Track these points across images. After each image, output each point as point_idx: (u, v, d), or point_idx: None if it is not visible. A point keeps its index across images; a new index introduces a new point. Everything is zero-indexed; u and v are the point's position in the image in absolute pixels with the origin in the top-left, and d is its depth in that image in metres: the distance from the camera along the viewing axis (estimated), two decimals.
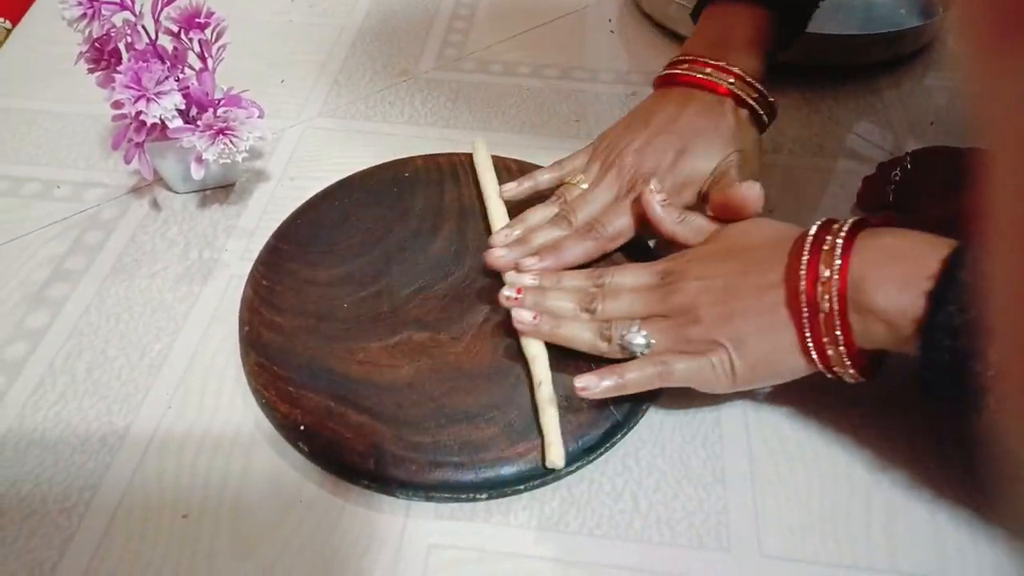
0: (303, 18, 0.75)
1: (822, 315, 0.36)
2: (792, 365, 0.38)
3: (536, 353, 0.43)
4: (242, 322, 0.46)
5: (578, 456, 0.40)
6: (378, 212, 0.53)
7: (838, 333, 0.36)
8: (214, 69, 0.53)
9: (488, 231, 0.50)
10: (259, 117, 0.52)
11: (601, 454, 0.41)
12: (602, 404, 0.41)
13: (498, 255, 0.47)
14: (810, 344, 0.37)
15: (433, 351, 0.44)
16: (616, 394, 0.40)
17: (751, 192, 0.43)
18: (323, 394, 0.42)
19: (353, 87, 0.66)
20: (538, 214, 0.49)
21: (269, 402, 0.42)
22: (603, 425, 0.41)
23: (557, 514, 0.40)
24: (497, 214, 0.50)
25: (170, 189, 0.56)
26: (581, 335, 0.42)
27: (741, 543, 0.39)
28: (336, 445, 0.40)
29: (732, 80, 0.50)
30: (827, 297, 0.36)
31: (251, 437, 0.43)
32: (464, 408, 0.41)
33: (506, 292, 0.44)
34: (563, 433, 0.40)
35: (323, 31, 0.73)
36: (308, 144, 0.61)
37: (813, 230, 0.38)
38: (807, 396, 0.44)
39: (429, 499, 0.40)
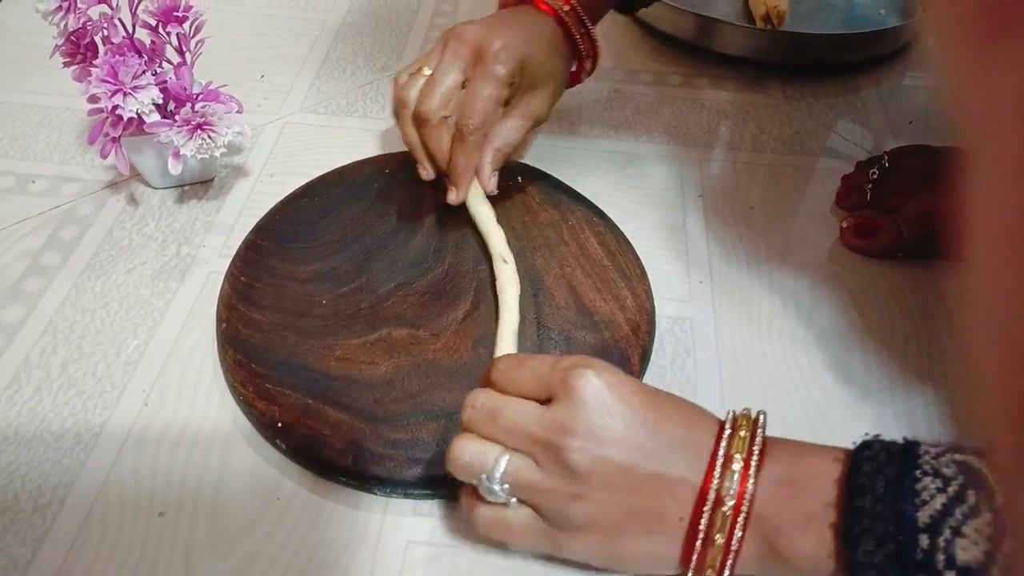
0: (284, 12, 0.74)
1: (714, 548, 0.32)
2: (658, 569, 0.34)
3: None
4: (220, 319, 0.46)
5: None
6: (358, 209, 0.52)
7: (729, 559, 0.32)
8: (192, 63, 0.52)
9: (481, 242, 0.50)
10: (238, 112, 0.52)
11: None
12: None
13: (425, 176, 0.52)
14: (692, 560, 0.33)
15: (412, 348, 0.44)
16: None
17: (485, 183, 0.50)
18: (301, 391, 0.42)
19: (334, 82, 0.66)
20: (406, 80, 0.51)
21: (247, 399, 0.42)
22: None
23: None
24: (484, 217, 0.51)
25: (147, 184, 0.56)
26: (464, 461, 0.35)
27: None
28: (314, 442, 0.40)
29: (567, 8, 0.53)
30: (726, 545, 0.32)
31: (228, 434, 0.42)
32: (443, 405, 0.41)
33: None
34: None
35: (304, 25, 0.73)
36: (288, 140, 0.61)
37: (723, 445, 0.33)
38: (784, 398, 0.44)
39: (407, 496, 0.40)
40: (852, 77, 0.68)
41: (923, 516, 0.29)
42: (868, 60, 0.69)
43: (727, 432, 0.33)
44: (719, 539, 0.32)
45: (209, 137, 0.50)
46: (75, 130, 0.61)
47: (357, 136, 0.61)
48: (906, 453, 0.31)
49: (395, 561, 0.38)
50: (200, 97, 0.51)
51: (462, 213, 0.52)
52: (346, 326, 0.45)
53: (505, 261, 0.47)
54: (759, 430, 0.33)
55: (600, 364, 0.35)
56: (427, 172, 0.52)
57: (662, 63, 0.70)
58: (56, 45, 0.50)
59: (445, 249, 0.50)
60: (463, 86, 0.50)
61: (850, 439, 0.41)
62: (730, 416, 0.34)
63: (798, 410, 0.44)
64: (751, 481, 0.32)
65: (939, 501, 0.29)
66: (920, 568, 0.29)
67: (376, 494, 0.40)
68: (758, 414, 0.35)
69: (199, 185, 0.56)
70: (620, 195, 0.56)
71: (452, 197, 0.51)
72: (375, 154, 0.56)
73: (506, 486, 0.34)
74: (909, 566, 0.29)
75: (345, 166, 0.56)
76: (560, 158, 0.59)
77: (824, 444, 0.34)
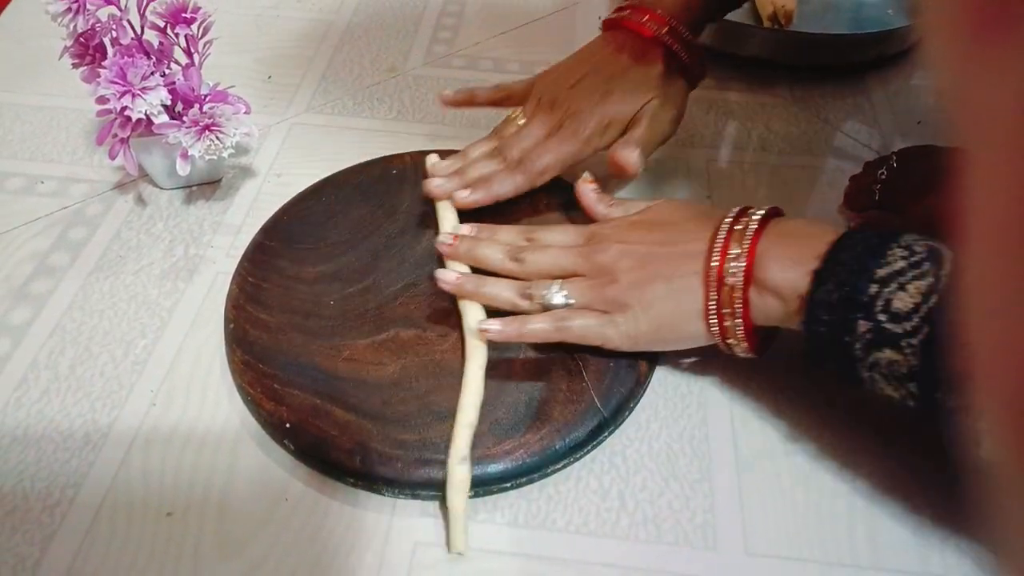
0: (291, 13, 0.74)
1: (727, 288, 0.39)
2: (692, 331, 0.41)
3: (467, 420, 0.40)
4: (227, 319, 0.46)
5: (564, 454, 0.40)
6: (365, 209, 0.52)
7: (738, 305, 0.39)
8: (200, 64, 0.53)
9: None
10: (246, 113, 0.52)
11: (588, 452, 0.41)
12: (588, 402, 0.41)
13: (436, 184, 0.51)
14: (712, 312, 0.40)
15: (420, 348, 0.44)
16: (515, 341, 0.43)
17: (630, 157, 0.48)
18: (309, 392, 0.42)
19: (341, 83, 0.66)
20: (477, 149, 0.53)
21: (254, 400, 0.42)
22: (589, 423, 0.41)
23: (544, 512, 0.40)
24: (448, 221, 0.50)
25: (155, 185, 0.56)
26: (502, 294, 0.44)
27: (727, 541, 0.39)
28: (322, 443, 0.40)
29: (665, 30, 0.52)
30: (733, 272, 0.39)
31: (236, 435, 0.42)
32: (451, 405, 0.41)
33: (442, 238, 0.47)
34: (551, 429, 0.40)
35: (311, 27, 0.73)
36: (295, 140, 0.61)
37: (732, 214, 0.41)
38: (792, 398, 0.44)
39: (415, 497, 0.40)
40: (860, 77, 0.68)
41: (881, 272, 0.35)
42: (876, 60, 0.69)
43: (733, 215, 0.41)
44: (730, 280, 0.39)
45: (217, 138, 0.50)
46: (83, 131, 0.61)
47: (364, 137, 0.61)
48: (892, 234, 0.37)
49: (403, 562, 0.38)
50: (208, 98, 0.51)
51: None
52: (354, 327, 0.45)
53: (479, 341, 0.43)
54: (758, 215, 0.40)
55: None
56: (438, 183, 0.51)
57: None
58: (65, 46, 0.50)
59: None
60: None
61: (861, 437, 0.41)
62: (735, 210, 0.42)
63: (804, 412, 0.44)
64: (750, 237, 0.39)
65: (898, 265, 0.35)
66: (861, 308, 0.35)
67: (384, 495, 0.40)
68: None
69: (207, 186, 0.56)
70: (628, 195, 0.56)
71: (463, 194, 0.50)
72: (382, 155, 0.56)
73: (565, 291, 0.42)
74: (853, 306, 0.35)
75: (352, 167, 0.56)
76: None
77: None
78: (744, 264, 0.39)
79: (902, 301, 0.34)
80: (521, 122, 0.53)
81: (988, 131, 0.12)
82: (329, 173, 0.55)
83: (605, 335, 0.42)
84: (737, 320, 0.39)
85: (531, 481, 0.40)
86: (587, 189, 0.48)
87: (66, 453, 0.41)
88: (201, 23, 0.51)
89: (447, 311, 0.46)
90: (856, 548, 0.38)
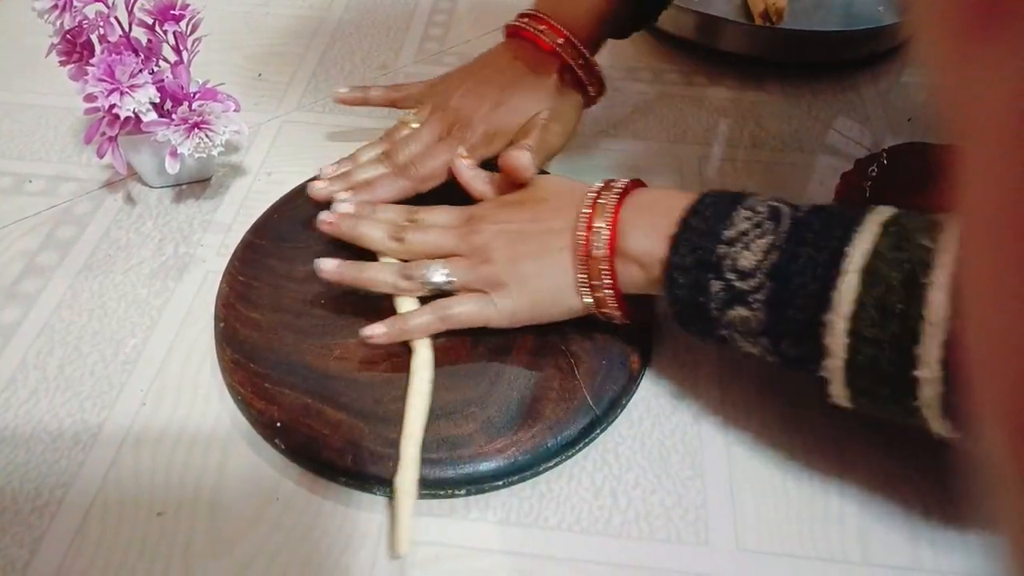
0: (281, 10, 0.74)
1: (593, 260, 0.41)
2: (568, 304, 0.42)
3: (412, 432, 0.40)
4: (218, 318, 0.45)
5: (557, 451, 0.40)
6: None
7: (606, 277, 0.41)
8: (189, 62, 0.52)
9: None
10: (235, 111, 0.52)
11: (580, 449, 0.41)
12: (580, 399, 0.41)
13: (319, 187, 0.50)
14: (583, 285, 0.41)
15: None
16: (400, 339, 0.43)
17: (520, 160, 0.46)
18: (300, 391, 0.42)
19: (332, 81, 0.66)
20: (367, 153, 0.53)
21: (245, 399, 0.42)
22: (581, 420, 0.41)
23: (536, 510, 0.40)
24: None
25: (145, 183, 0.56)
26: (382, 277, 0.44)
27: (719, 537, 0.39)
28: (313, 442, 0.40)
29: (561, 41, 0.52)
30: (599, 244, 0.40)
31: (227, 434, 0.42)
32: (442, 404, 0.41)
33: (322, 216, 0.47)
34: (543, 427, 0.40)
35: (301, 24, 0.72)
36: (286, 138, 0.60)
37: (595, 188, 0.43)
38: (783, 394, 0.44)
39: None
40: (851, 74, 0.68)
41: (728, 234, 0.37)
42: (867, 57, 0.69)
43: (601, 186, 0.43)
44: (596, 252, 0.40)
45: (206, 136, 0.50)
46: (72, 129, 0.60)
47: (355, 134, 0.60)
48: (739, 196, 0.39)
49: (396, 561, 0.38)
50: (197, 96, 0.51)
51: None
52: (345, 325, 0.45)
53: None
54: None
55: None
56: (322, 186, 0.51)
57: (660, 61, 0.69)
58: (52, 44, 0.50)
59: None
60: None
61: (853, 433, 0.41)
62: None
63: (797, 408, 0.44)
64: (615, 208, 0.41)
65: (743, 226, 0.37)
66: (711, 268, 0.37)
67: (376, 494, 0.40)
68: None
69: (196, 184, 0.56)
70: None
71: (342, 196, 0.49)
72: None
73: (446, 269, 0.43)
74: (705, 267, 0.37)
75: None
76: (559, 158, 0.59)
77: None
78: (608, 236, 0.40)
79: (746, 259, 0.36)
80: (414, 126, 0.52)
81: (980, 129, 0.12)
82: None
83: (486, 315, 0.43)
84: (608, 291, 0.41)
85: (523, 479, 0.40)
86: (462, 165, 0.49)
87: (55, 454, 0.41)
88: (190, 20, 0.51)
89: None
90: (847, 544, 0.39)
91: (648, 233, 0.40)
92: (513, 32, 0.54)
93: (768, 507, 0.40)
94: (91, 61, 0.49)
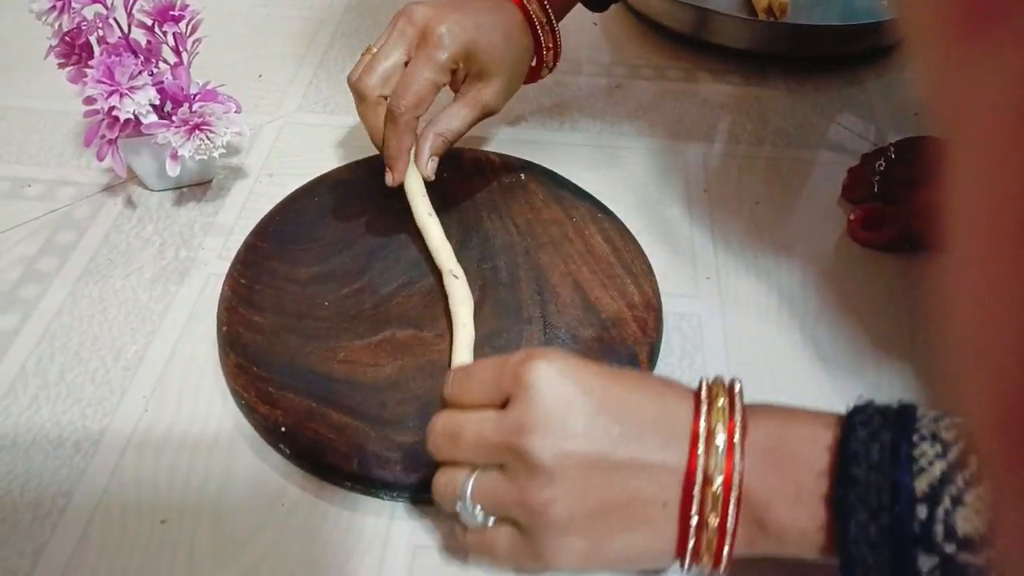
0: (281, 11, 0.73)
1: (708, 530, 0.30)
2: (655, 562, 0.33)
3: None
4: (220, 322, 0.45)
5: None
6: (358, 208, 0.52)
7: (721, 549, 0.30)
8: (189, 63, 0.52)
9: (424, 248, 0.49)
10: (236, 112, 0.51)
11: None
12: None
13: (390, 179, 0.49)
14: (686, 555, 0.31)
15: (416, 349, 0.44)
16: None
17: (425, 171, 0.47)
18: (304, 394, 0.41)
19: (333, 81, 0.65)
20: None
21: (249, 403, 0.41)
22: None
23: None
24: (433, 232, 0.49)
25: (145, 187, 0.55)
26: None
27: None
28: (318, 446, 0.39)
29: None
30: (716, 510, 0.30)
31: (231, 439, 0.42)
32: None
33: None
34: None
35: (302, 24, 0.72)
36: (287, 140, 0.60)
37: (686, 417, 0.31)
38: (794, 391, 0.44)
39: (414, 500, 0.39)
40: (855, 69, 0.68)
41: (921, 485, 0.27)
42: (871, 51, 0.68)
43: (704, 405, 0.31)
44: (712, 520, 0.30)
45: (207, 138, 0.49)
46: (71, 133, 0.60)
47: (356, 135, 0.60)
48: (902, 417, 0.29)
49: (402, 567, 0.37)
50: (197, 97, 0.50)
51: (463, 211, 0.51)
52: (349, 328, 0.44)
53: (455, 276, 0.45)
54: (737, 398, 0.32)
55: (552, 352, 0.32)
56: (391, 177, 0.50)
57: (663, 57, 0.69)
58: (51, 46, 0.49)
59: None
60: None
61: None
62: (704, 385, 0.32)
63: (809, 405, 0.43)
64: (737, 454, 0.30)
65: (938, 468, 0.27)
66: (917, 541, 0.27)
67: (382, 499, 0.39)
68: (732, 381, 0.32)
69: (197, 187, 0.56)
70: (624, 191, 0.56)
71: (388, 179, 0.49)
72: (375, 153, 0.55)
73: (479, 507, 0.32)
74: (905, 539, 0.27)
75: (345, 165, 0.55)
76: (562, 154, 0.58)
77: (812, 409, 0.32)
78: (735, 496, 0.30)
79: (969, 523, 0.26)
80: (375, 51, 0.49)
81: (970, 129, 0.12)
82: (321, 172, 0.54)
83: (528, 565, 0.33)
84: (719, 562, 0.31)
85: None
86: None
87: (56, 462, 0.41)
88: (189, 21, 0.51)
89: (444, 310, 0.45)
90: None
91: (793, 495, 0.29)
92: None
93: None
94: (90, 63, 0.48)
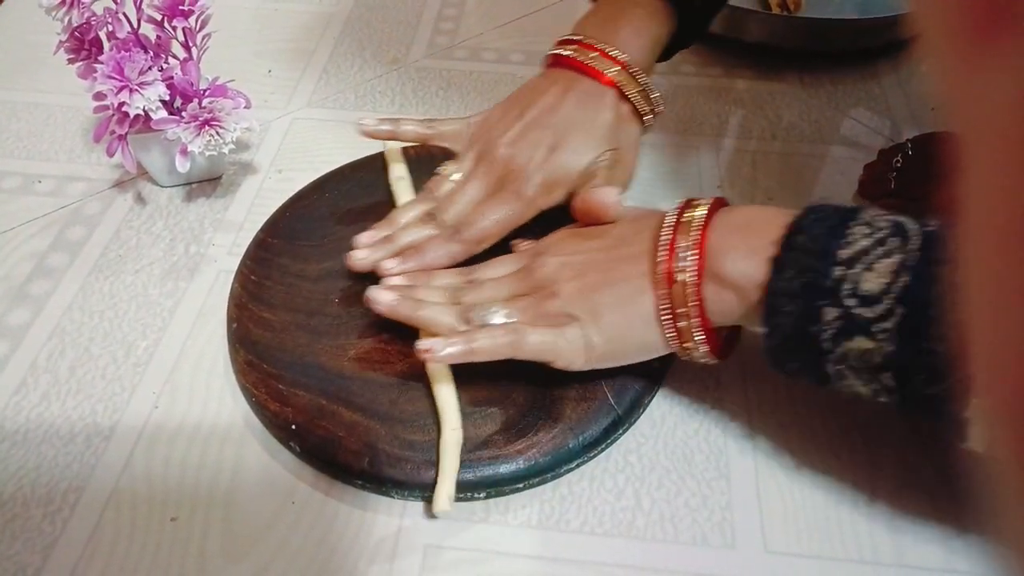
0: (290, 6, 0.73)
1: (678, 286, 0.37)
2: (646, 339, 0.38)
3: (447, 399, 0.40)
4: (230, 318, 0.45)
5: (578, 453, 0.39)
6: (369, 204, 0.51)
7: (693, 303, 0.36)
8: (199, 58, 0.51)
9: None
10: (246, 108, 0.51)
11: (602, 450, 0.40)
12: (602, 399, 0.40)
13: (359, 257, 0.45)
14: (666, 314, 0.37)
15: None
16: (463, 360, 0.38)
17: (608, 198, 0.42)
18: (314, 392, 0.41)
19: (342, 76, 0.65)
20: (407, 213, 0.47)
21: (259, 400, 0.41)
22: (603, 421, 0.40)
23: (557, 512, 0.39)
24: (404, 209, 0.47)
25: (155, 183, 0.55)
26: (440, 318, 0.40)
27: (746, 539, 0.38)
28: (329, 444, 0.39)
29: (616, 69, 0.47)
30: (684, 268, 0.36)
31: (241, 436, 0.41)
32: (461, 405, 0.40)
33: (375, 295, 0.41)
34: (564, 428, 0.39)
35: (311, 19, 0.71)
36: (296, 135, 0.60)
37: (674, 209, 0.39)
38: (810, 391, 0.43)
39: (425, 499, 0.39)
40: (871, 63, 0.67)
41: (844, 253, 0.32)
42: (887, 46, 0.67)
43: (680, 206, 0.39)
44: (681, 275, 0.36)
45: (217, 133, 0.49)
46: (81, 128, 0.60)
47: None
48: (851, 210, 0.34)
49: (413, 566, 0.37)
50: (207, 93, 0.50)
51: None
52: (359, 325, 0.44)
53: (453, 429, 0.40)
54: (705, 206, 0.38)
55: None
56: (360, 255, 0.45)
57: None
58: (60, 41, 0.49)
59: None
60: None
61: (882, 431, 0.40)
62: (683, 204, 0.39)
63: (824, 405, 0.43)
64: (701, 226, 0.37)
65: (862, 244, 0.33)
66: (826, 294, 0.32)
67: (393, 497, 0.39)
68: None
69: (207, 183, 0.55)
70: (637, 187, 0.55)
71: (390, 264, 0.44)
72: (385, 149, 0.55)
73: (505, 310, 0.40)
74: (818, 293, 0.32)
75: (355, 161, 0.55)
76: None
77: None
78: (695, 257, 0.36)
79: (871, 282, 0.32)
80: (455, 177, 0.47)
81: (985, 133, 0.12)
82: (331, 168, 0.54)
83: (558, 350, 0.38)
84: (694, 320, 0.37)
85: (544, 481, 0.39)
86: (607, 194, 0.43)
87: (67, 457, 0.41)
88: (199, 16, 0.50)
89: None
90: (878, 545, 0.37)
91: (744, 255, 0.35)
92: (557, 62, 0.49)
93: (796, 508, 0.39)
94: (100, 58, 0.48)
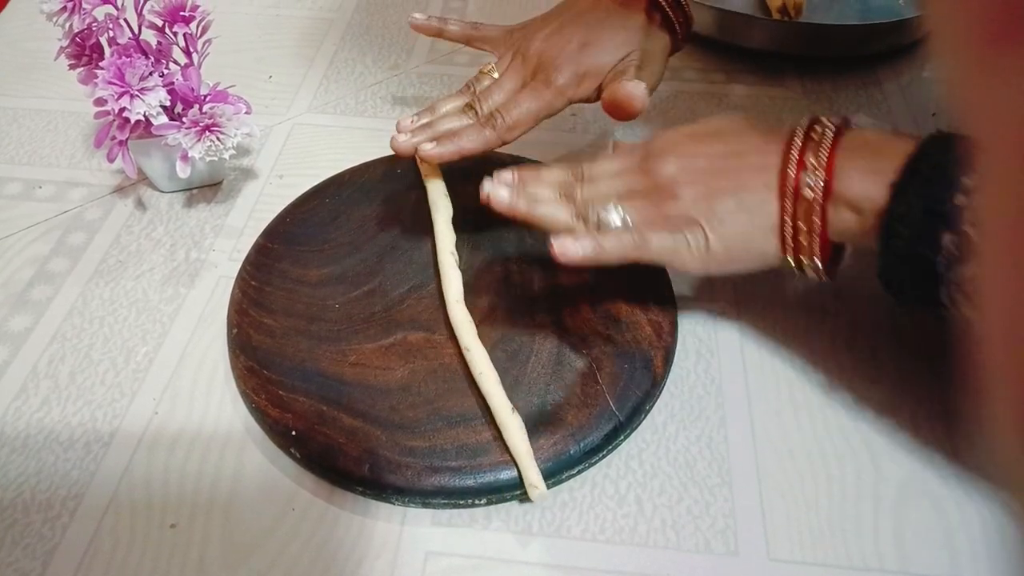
0: (291, 12, 0.73)
1: (803, 202, 0.37)
2: (765, 249, 0.39)
3: (492, 389, 0.40)
4: (231, 324, 0.45)
5: (579, 459, 0.39)
6: (369, 209, 0.51)
7: (815, 219, 0.37)
8: (199, 64, 0.51)
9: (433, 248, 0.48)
10: (246, 113, 0.51)
11: (603, 456, 0.40)
12: (603, 405, 0.40)
13: (401, 140, 0.48)
14: (788, 228, 0.38)
15: (428, 352, 0.43)
16: (592, 263, 0.39)
17: (636, 90, 0.44)
18: (315, 398, 0.41)
19: (343, 82, 0.65)
20: (448, 103, 0.50)
21: (259, 406, 0.41)
22: (604, 427, 0.40)
23: (559, 519, 0.38)
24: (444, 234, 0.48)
25: (155, 188, 0.55)
26: (557, 215, 0.41)
27: (749, 547, 0.37)
28: (329, 450, 0.39)
29: None
30: (811, 184, 0.37)
31: (241, 443, 0.41)
32: (461, 411, 0.40)
33: (488, 189, 0.42)
34: (565, 434, 0.39)
35: (312, 25, 0.72)
36: (297, 141, 0.60)
37: (803, 124, 0.39)
38: (813, 396, 0.43)
39: (426, 505, 0.39)
40: (872, 69, 0.67)
41: (969, 181, 0.32)
42: (888, 51, 0.67)
43: (808, 122, 0.39)
44: (806, 191, 0.37)
45: (218, 139, 0.49)
46: (81, 134, 0.60)
47: (367, 136, 0.59)
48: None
49: (414, 573, 0.37)
50: (208, 98, 0.50)
51: (475, 213, 0.50)
52: (360, 330, 0.44)
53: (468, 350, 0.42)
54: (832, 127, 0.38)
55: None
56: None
57: (677, 57, 0.68)
58: (61, 47, 0.49)
59: (460, 250, 0.48)
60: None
61: (884, 436, 0.40)
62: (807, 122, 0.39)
63: (828, 410, 0.42)
64: (830, 144, 0.37)
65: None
66: (945, 220, 0.33)
67: (394, 504, 0.39)
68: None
69: (207, 188, 0.55)
70: None
71: (428, 146, 0.47)
72: (386, 154, 0.55)
73: (621, 209, 0.40)
74: (936, 218, 0.33)
75: (355, 167, 0.54)
76: (576, 155, 0.58)
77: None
78: (823, 176, 0.37)
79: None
80: (495, 75, 0.50)
81: (1000, 139, 0.12)
82: (332, 174, 0.54)
83: (680, 255, 0.39)
84: (814, 236, 0.38)
85: (546, 488, 0.39)
86: (631, 88, 0.45)
87: (67, 464, 0.40)
88: (200, 22, 0.50)
89: None
90: (883, 552, 0.37)
91: (869, 176, 0.36)
92: None
93: (799, 515, 0.39)
94: (100, 64, 0.48)
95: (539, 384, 0.41)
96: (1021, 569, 0.14)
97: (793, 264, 0.39)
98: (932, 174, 0.34)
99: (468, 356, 0.42)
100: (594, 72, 0.48)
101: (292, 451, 0.40)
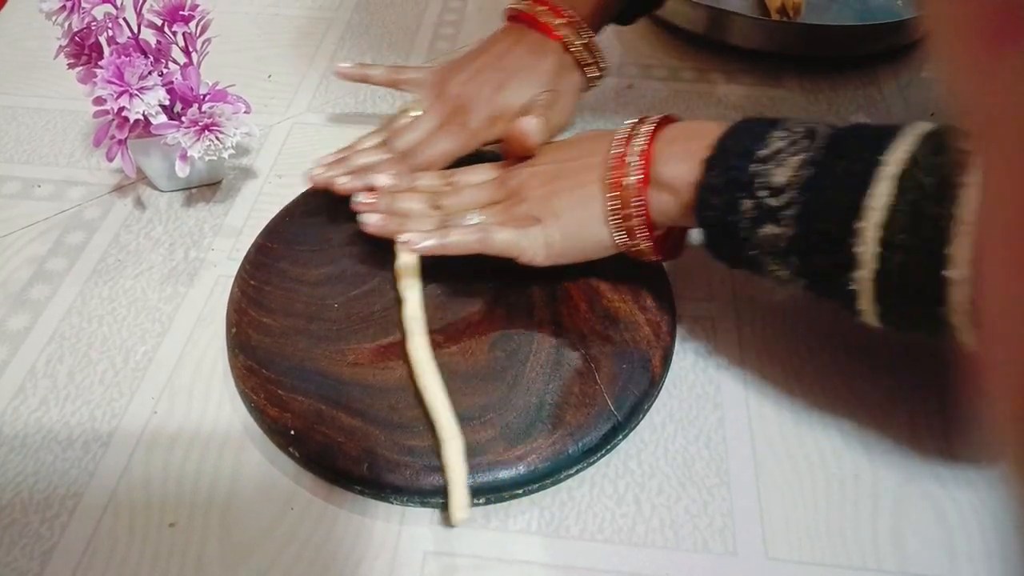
0: (290, 11, 0.73)
1: (625, 190, 0.41)
2: (599, 236, 0.43)
3: (440, 407, 0.40)
4: (229, 323, 0.45)
5: (578, 458, 0.39)
6: None
7: (637, 204, 0.41)
8: (199, 63, 0.51)
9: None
10: (246, 112, 0.51)
11: (602, 456, 0.40)
12: (601, 405, 0.40)
13: (317, 172, 0.50)
14: (614, 215, 0.42)
15: None
16: (437, 253, 0.43)
17: (528, 126, 0.46)
18: (314, 397, 0.41)
19: (342, 82, 0.65)
20: (366, 141, 0.53)
21: (258, 406, 0.41)
22: (603, 426, 0.40)
23: (557, 519, 0.38)
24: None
25: (154, 187, 0.55)
26: (423, 229, 0.44)
27: (747, 546, 0.38)
28: (328, 450, 0.39)
29: (562, 22, 0.52)
30: (631, 173, 0.41)
31: (240, 442, 0.41)
32: (459, 410, 0.40)
33: (358, 197, 0.46)
34: (563, 433, 0.39)
35: (311, 24, 0.71)
36: (296, 140, 0.60)
37: (628, 124, 0.43)
38: (811, 396, 0.43)
39: (425, 505, 0.39)
40: (870, 69, 0.67)
41: (762, 152, 0.37)
42: (886, 51, 0.68)
43: (633, 123, 0.43)
44: (629, 179, 0.41)
45: (217, 138, 0.49)
46: (80, 133, 0.60)
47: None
48: (777, 120, 0.39)
49: (413, 572, 0.37)
50: (207, 98, 0.50)
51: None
52: (359, 330, 0.44)
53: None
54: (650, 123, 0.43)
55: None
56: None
57: (676, 58, 0.68)
58: (60, 46, 0.49)
59: None
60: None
61: (884, 436, 0.40)
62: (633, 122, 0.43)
63: (826, 410, 0.43)
64: (648, 137, 0.42)
65: (778, 144, 0.37)
66: (743, 187, 0.37)
67: (392, 503, 0.39)
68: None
69: (207, 187, 0.55)
70: None
71: (343, 180, 0.49)
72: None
73: (479, 217, 0.45)
74: (736, 186, 0.37)
75: None
76: None
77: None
78: (641, 163, 0.41)
79: (779, 176, 0.36)
80: (414, 114, 0.52)
81: (999, 139, 0.12)
82: None
83: (521, 246, 0.43)
84: (639, 219, 0.41)
85: (543, 487, 0.39)
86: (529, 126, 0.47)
87: (65, 463, 0.40)
88: (199, 21, 0.50)
89: (453, 313, 0.45)
90: (881, 552, 0.37)
91: (682, 159, 0.40)
92: (513, 16, 0.54)
93: (798, 514, 0.39)
94: (100, 63, 0.48)
95: (537, 384, 0.41)
96: (1020, 569, 0.15)
97: (629, 251, 0.43)
98: (736, 149, 0.38)
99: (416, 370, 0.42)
100: (507, 114, 0.50)
101: (291, 450, 0.40)
